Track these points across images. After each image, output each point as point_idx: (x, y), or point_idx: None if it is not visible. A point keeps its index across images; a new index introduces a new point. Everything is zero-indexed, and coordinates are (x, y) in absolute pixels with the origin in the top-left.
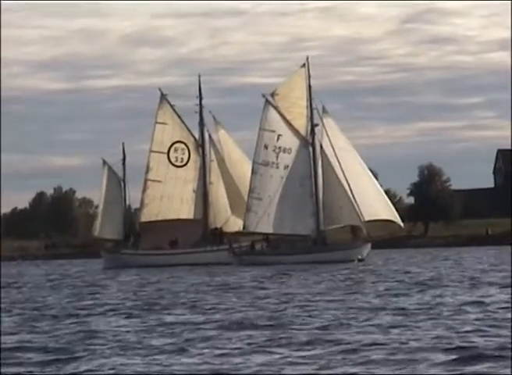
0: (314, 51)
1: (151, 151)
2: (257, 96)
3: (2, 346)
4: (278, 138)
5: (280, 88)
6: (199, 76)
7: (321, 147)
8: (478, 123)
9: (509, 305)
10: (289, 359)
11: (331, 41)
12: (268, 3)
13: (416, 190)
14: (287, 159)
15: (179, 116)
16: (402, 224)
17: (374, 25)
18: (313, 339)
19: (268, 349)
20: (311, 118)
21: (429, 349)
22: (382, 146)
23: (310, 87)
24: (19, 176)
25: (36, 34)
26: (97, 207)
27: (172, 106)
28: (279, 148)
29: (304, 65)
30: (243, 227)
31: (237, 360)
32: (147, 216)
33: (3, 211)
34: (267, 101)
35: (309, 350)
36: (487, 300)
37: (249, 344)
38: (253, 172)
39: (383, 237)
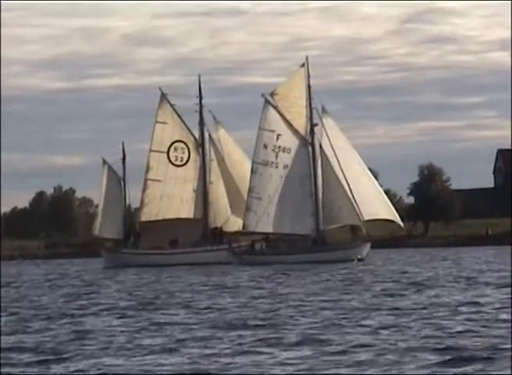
0: (314, 51)
1: (150, 150)
2: (257, 96)
3: None
4: (277, 138)
5: (280, 88)
6: (199, 76)
7: (321, 146)
8: (479, 122)
9: (503, 305)
10: (277, 360)
11: (331, 41)
12: (268, 3)
13: (416, 189)
14: (287, 159)
15: (179, 116)
16: (401, 224)
17: (374, 25)
18: (303, 339)
19: (257, 349)
20: (311, 118)
21: (418, 349)
22: (382, 146)
23: (309, 86)
24: (20, 176)
25: (36, 33)
26: (97, 206)
27: (172, 106)
28: (279, 147)
29: (303, 64)
30: (243, 227)
31: (225, 360)
32: (147, 215)
33: (3, 210)
34: (266, 101)
35: (298, 350)
36: (482, 300)
37: (239, 344)
38: (252, 171)
39: (383, 236)
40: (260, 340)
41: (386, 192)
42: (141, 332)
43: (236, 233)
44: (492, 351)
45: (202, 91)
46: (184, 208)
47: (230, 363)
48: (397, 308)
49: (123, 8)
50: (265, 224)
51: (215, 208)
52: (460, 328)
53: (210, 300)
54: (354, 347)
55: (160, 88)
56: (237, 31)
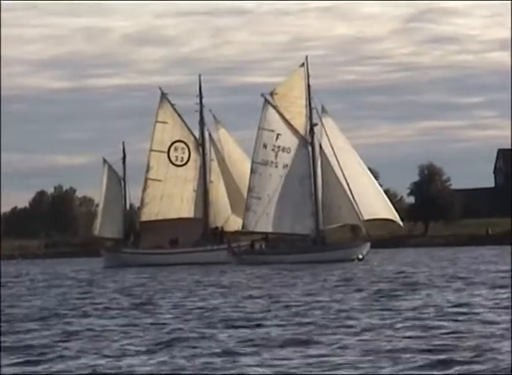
0: (317, 51)
1: (151, 150)
2: (258, 96)
3: None
4: (277, 137)
5: (279, 88)
6: (199, 76)
7: (321, 146)
8: (480, 122)
9: (493, 306)
10: (260, 360)
11: (334, 41)
12: (270, 2)
13: (416, 189)
14: (286, 159)
15: (179, 115)
16: (401, 223)
17: (376, 24)
18: (288, 340)
19: (241, 350)
20: (310, 117)
21: (402, 351)
22: (384, 145)
23: (309, 86)
24: (20, 176)
25: (36, 33)
26: (98, 206)
27: (172, 105)
28: (278, 147)
29: (303, 64)
30: (242, 227)
31: (206, 360)
32: (147, 215)
33: (3, 210)
34: (266, 101)
35: (281, 351)
36: (473, 301)
37: (225, 344)
38: (252, 171)
39: (383, 236)
40: (245, 341)
41: (387, 192)
42: (126, 332)
43: (236, 232)
44: (477, 353)
45: (203, 90)
46: (184, 207)
47: (211, 363)
48: (387, 309)
49: (124, 8)
50: (265, 224)
51: (216, 208)
52: (446, 329)
53: (201, 300)
54: (339, 348)
55: (160, 88)
56: (239, 31)
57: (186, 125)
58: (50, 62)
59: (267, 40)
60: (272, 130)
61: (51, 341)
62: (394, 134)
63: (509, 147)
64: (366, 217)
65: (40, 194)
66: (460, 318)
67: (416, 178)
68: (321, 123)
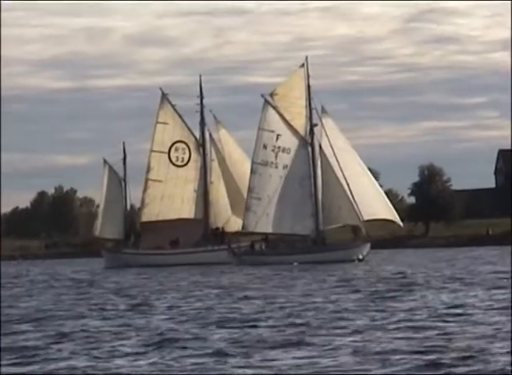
0: (318, 51)
1: (151, 150)
2: (259, 96)
3: None
4: (277, 138)
5: (279, 88)
6: (200, 76)
7: (320, 147)
8: (482, 123)
9: (487, 307)
10: (249, 361)
11: (335, 41)
12: (270, 2)
13: (417, 190)
14: (286, 159)
15: (179, 116)
16: (401, 224)
17: (377, 24)
18: (281, 340)
19: (231, 351)
20: (310, 118)
21: (392, 352)
22: (386, 146)
23: (309, 86)
24: (20, 176)
25: (36, 33)
26: (98, 206)
27: (172, 106)
28: (278, 147)
29: (302, 65)
30: (242, 227)
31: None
32: (147, 215)
33: (4, 210)
34: (266, 101)
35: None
36: (468, 302)
37: (216, 345)
38: (252, 172)
39: (384, 237)
40: (236, 342)
41: (389, 192)
42: (118, 334)
43: (237, 233)
44: (469, 354)
45: (205, 91)
46: (185, 208)
47: (202, 363)
48: (381, 310)
49: (125, 8)
50: (265, 224)
51: (216, 209)
52: (439, 330)
53: (197, 301)
54: (332, 349)
55: (161, 88)
56: (240, 31)
57: (186, 125)
58: (50, 62)
59: (267, 40)
60: (272, 131)
61: (44, 343)
62: (396, 135)
63: (509, 147)
64: (366, 218)
65: (41, 195)
66: (454, 319)
67: (417, 178)
68: (321, 124)
